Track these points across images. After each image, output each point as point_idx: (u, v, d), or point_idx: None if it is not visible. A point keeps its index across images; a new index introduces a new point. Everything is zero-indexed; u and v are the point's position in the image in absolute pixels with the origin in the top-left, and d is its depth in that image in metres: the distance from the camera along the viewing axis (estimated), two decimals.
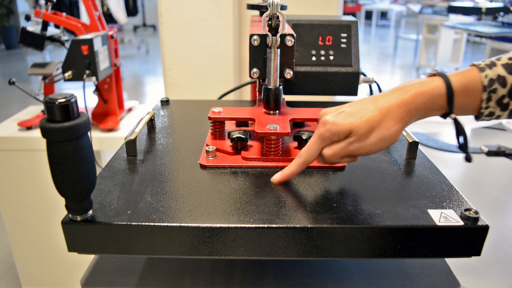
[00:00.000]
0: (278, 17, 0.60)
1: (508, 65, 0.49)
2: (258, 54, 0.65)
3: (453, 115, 0.50)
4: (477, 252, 0.47)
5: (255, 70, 0.66)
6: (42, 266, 1.54)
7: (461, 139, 0.52)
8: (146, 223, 0.45)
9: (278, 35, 0.61)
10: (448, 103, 0.49)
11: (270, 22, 0.60)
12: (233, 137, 0.63)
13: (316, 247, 0.46)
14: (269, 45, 0.62)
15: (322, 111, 0.53)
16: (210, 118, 0.67)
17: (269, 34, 0.61)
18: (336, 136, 0.50)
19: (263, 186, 0.54)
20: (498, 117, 0.51)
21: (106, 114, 1.46)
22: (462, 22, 4.63)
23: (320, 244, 0.46)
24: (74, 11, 5.84)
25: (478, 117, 0.52)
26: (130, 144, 0.63)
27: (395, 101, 0.49)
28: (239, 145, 0.64)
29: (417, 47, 6.26)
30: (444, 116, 0.52)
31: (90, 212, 0.47)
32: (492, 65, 0.50)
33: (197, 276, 0.50)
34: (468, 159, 0.53)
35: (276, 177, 0.55)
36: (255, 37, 0.63)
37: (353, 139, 0.49)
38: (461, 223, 0.46)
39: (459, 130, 0.52)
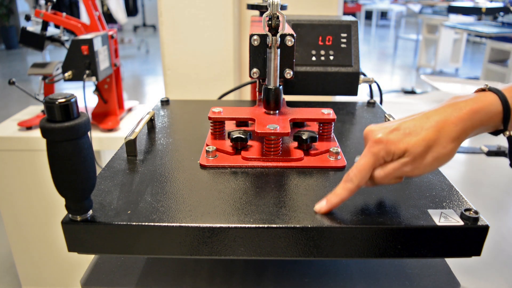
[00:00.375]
0: (278, 17, 0.60)
1: None
2: (258, 54, 0.65)
3: (507, 133, 0.48)
4: (477, 252, 0.47)
5: (255, 70, 0.66)
6: (42, 266, 1.54)
7: None
8: (146, 223, 0.45)
9: (278, 35, 0.61)
10: (504, 121, 0.47)
11: (270, 22, 0.60)
12: (233, 137, 0.63)
13: (316, 247, 0.46)
14: (269, 45, 0.62)
15: (369, 128, 0.49)
16: (210, 118, 0.67)
17: (269, 34, 0.61)
18: (390, 156, 0.47)
19: (263, 186, 0.54)
20: None
21: (106, 114, 1.46)
22: (462, 22, 4.63)
23: (320, 244, 0.46)
24: (74, 11, 5.84)
25: None
26: (130, 144, 0.63)
27: (450, 118, 0.46)
28: (239, 145, 0.64)
29: (417, 47, 6.26)
30: (496, 133, 0.49)
31: (90, 212, 0.47)
32: None
33: (197, 276, 0.50)
34: None
35: (322, 206, 0.49)
36: (255, 37, 0.63)
37: (408, 159, 0.46)
38: (461, 223, 0.46)
39: None
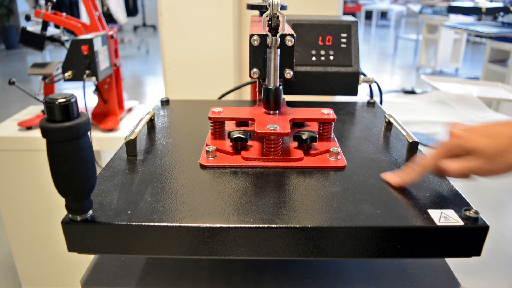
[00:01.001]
0: (278, 17, 0.60)
1: None
2: (258, 54, 0.65)
3: None
4: (477, 252, 0.47)
5: (255, 70, 0.66)
6: (42, 266, 1.54)
7: None
8: (146, 223, 0.45)
9: (278, 35, 0.61)
10: None
11: (270, 22, 0.60)
12: (233, 137, 0.63)
13: (316, 247, 0.46)
14: (269, 45, 0.62)
15: (453, 125, 0.52)
16: (210, 118, 0.67)
17: (269, 34, 0.61)
18: (463, 151, 0.50)
19: (263, 186, 0.54)
20: None
21: (106, 114, 1.46)
22: (462, 22, 4.63)
23: (320, 244, 0.46)
24: (74, 11, 5.84)
25: None
26: (130, 144, 0.63)
27: None
28: (239, 145, 0.64)
29: (417, 47, 6.26)
30: None
31: (90, 212, 0.47)
32: None
33: (197, 276, 0.50)
34: None
35: (392, 178, 0.54)
36: (255, 37, 0.63)
37: (479, 159, 0.48)
38: (461, 223, 0.46)
39: None
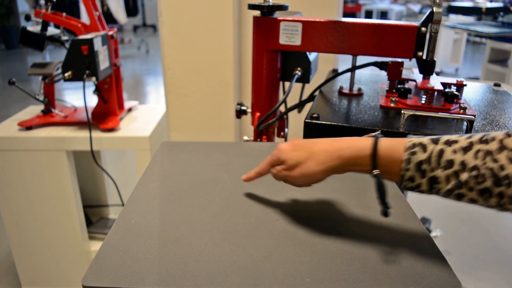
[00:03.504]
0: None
1: (433, 139, 0.51)
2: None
3: (375, 171, 0.53)
4: None
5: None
6: (42, 266, 1.54)
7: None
8: None
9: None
10: (372, 159, 0.52)
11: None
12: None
13: None
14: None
15: (290, 140, 0.63)
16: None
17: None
18: (278, 161, 0.61)
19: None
20: (419, 186, 0.51)
21: (106, 114, 1.46)
22: (462, 22, 4.63)
23: None
24: (74, 11, 5.84)
25: (401, 183, 0.52)
26: None
27: (324, 146, 0.56)
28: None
29: None
30: (370, 173, 0.54)
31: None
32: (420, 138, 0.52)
33: (197, 276, 0.50)
34: (385, 213, 0.55)
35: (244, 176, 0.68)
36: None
37: (284, 167, 0.59)
38: None
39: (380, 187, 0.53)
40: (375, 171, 0.53)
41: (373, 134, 0.56)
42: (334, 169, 0.55)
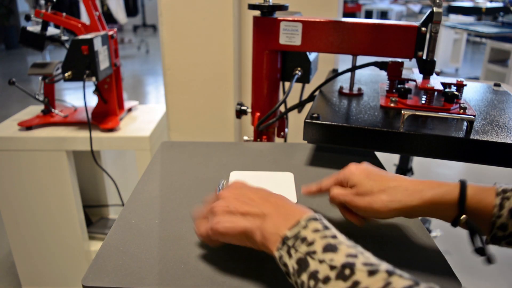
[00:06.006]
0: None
1: None
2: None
3: (463, 217, 0.48)
4: None
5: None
6: (42, 266, 1.54)
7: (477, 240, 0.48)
8: None
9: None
10: (459, 203, 0.47)
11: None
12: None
13: None
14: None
15: (358, 163, 0.58)
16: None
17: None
18: (345, 182, 0.55)
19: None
20: (511, 236, 0.46)
21: (106, 114, 1.46)
22: (462, 22, 4.63)
23: None
24: (74, 11, 5.83)
25: (490, 232, 0.48)
26: None
27: (403, 183, 0.51)
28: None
29: None
30: (454, 219, 0.49)
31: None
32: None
33: (197, 276, 0.50)
34: (490, 260, 0.48)
35: (304, 189, 0.62)
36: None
37: (352, 191, 0.54)
38: None
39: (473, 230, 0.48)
40: (464, 217, 0.47)
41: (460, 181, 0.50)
42: (409, 210, 0.50)
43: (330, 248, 0.39)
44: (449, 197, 0.48)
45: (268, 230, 0.45)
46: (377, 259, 0.38)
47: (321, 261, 0.38)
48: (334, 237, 0.40)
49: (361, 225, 0.56)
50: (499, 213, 0.46)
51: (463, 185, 0.48)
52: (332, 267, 0.37)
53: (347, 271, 0.36)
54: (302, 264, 0.39)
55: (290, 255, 0.41)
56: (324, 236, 0.40)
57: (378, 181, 0.52)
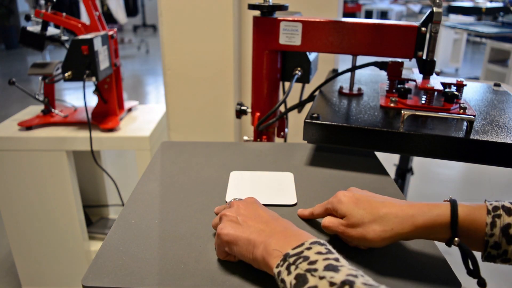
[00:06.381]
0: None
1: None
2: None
3: (456, 240, 0.48)
4: None
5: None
6: (42, 266, 1.54)
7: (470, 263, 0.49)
8: None
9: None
10: (451, 226, 0.47)
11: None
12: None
13: None
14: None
15: (348, 190, 0.58)
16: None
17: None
18: (334, 212, 0.55)
19: None
20: (505, 254, 0.46)
21: (106, 114, 1.46)
22: (462, 22, 4.63)
23: None
24: (74, 11, 5.83)
25: (484, 251, 0.48)
26: None
27: (393, 209, 0.50)
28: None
29: None
30: (448, 241, 0.49)
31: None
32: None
33: (197, 276, 0.50)
34: (481, 284, 0.48)
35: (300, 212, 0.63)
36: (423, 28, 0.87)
37: (343, 223, 0.53)
38: None
39: (466, 253, 0.48)
40: (456, 240, 0.47)
41: (447, 199, 0.50)
42: (402, 236, 0.50)
43: (331, 268, 0.39)
44: (441, 220, 0.48)
45: (271, 246, 0.45)
46: (376, 282, 0.38)
47: (321, 278, 0.38)
48: (337, 260, 0.41)
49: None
50: (491, 232, 0.46)
51: (454, 206, 0.48)
52: (331, 284, 0.37)
53: None
54: (301, 279, 0.39)
55: (289, 272, 0.41)
56: (327, 258, 0.40)
57: (367, 210, 0.51)
